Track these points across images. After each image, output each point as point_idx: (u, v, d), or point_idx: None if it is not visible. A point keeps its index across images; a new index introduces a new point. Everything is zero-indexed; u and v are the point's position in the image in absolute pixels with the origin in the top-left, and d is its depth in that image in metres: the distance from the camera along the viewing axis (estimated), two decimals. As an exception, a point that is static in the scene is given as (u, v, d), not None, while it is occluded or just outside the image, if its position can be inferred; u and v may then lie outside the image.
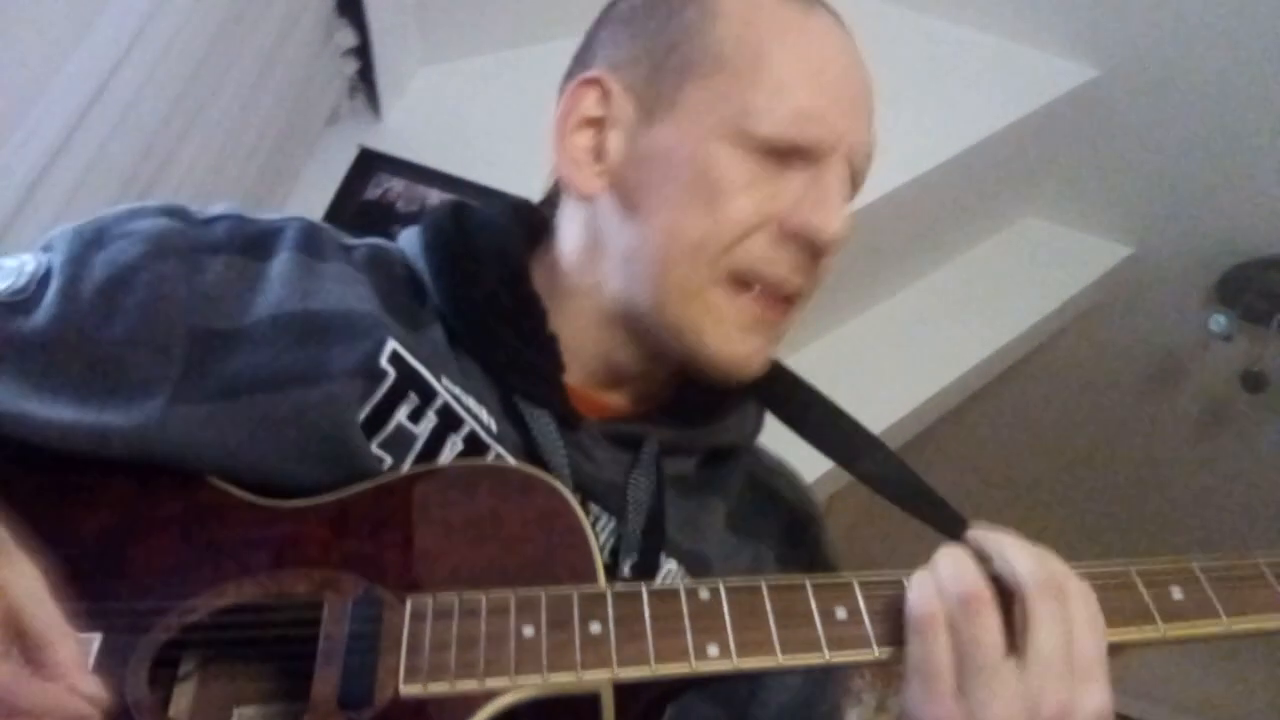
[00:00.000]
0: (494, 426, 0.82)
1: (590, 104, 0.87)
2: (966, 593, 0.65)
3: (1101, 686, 0.65)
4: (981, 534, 0.70)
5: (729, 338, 0.83)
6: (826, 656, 0.67)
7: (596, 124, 0.87)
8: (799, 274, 0.83)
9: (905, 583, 0.68)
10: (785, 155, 0.82)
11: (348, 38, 2.02)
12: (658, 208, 0.83)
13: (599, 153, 0.86)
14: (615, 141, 0.86)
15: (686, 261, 0.82)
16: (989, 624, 0.65)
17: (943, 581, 0.66)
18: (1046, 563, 0.68)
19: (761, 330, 0.84)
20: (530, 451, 0.81)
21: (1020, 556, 0.67)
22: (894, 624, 0.68)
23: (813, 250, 0.82)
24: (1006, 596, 0.66)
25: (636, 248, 0.84)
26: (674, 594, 0.69)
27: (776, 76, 0.82)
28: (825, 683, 0.94)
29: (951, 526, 0.89)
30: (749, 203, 0.81)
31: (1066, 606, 0.66)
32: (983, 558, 0.68)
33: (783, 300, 0.84)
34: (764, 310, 0.83)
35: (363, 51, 2.07)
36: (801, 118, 0.81)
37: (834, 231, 0.81)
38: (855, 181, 0.87)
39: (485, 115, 2.14)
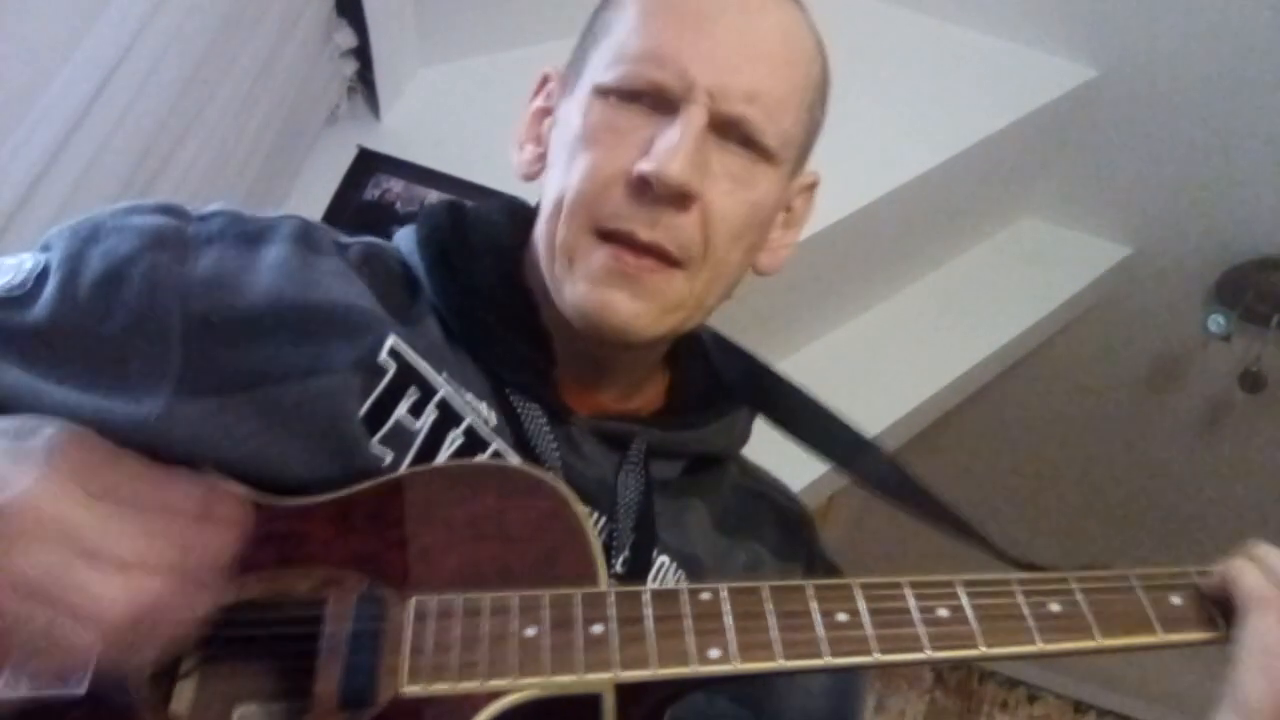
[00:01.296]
0: (492, 420, 0.82)
1: (541, 96, 0.92)
2: None
3: None
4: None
5: (580, 288, 0.81)
6: (827, 660, 0.67)
7: (546, 113, 0.91)
8: (651, 225, 0.80)
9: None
10: (646, 103, 0.81)
11: (347, 38, 2.02)
12: (548, 173, 0.86)
13: (541, 138, 0.90)
14: (548, 124, 0.90)
15: (554, 220, 0.83)
16: None
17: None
18: None
19: (619, 283, 0.81)
20: (522, 445, 0.82)
21: None
22: (895, 628, 0.69)
23: (658, 197, 0.79)
24: None
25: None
26: (676, 596, 0.69)
27: (633, 23, 0.83)
28: (848, 698, 0.94)
29: (945, 521, 0.90)
30: (600, 153, 0.81)
31: None
32: None
33: (642, 252, 0.81)
34: (614, 259, 0.80)
35: (362, 52, 2.06)
36: (646, 60, 0.81)
37: (668, 171, 0.78)
38: (744, 129, 0.82)
39: (484, 116, 2.13)
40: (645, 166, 0.78)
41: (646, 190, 0.79)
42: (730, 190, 0.82)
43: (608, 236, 0.81)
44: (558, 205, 0.82)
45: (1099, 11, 2.20)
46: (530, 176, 0.90)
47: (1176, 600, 0.72)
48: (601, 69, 0.83)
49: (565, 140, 0.84)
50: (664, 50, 0.81)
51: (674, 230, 0.80)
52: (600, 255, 0.81)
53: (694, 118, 0.79)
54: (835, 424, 0.95)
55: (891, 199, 2.17)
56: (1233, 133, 2.34)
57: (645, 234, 0.80)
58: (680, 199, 0.79)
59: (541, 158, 0.89)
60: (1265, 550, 0.73)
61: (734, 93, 0.81)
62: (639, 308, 0.81)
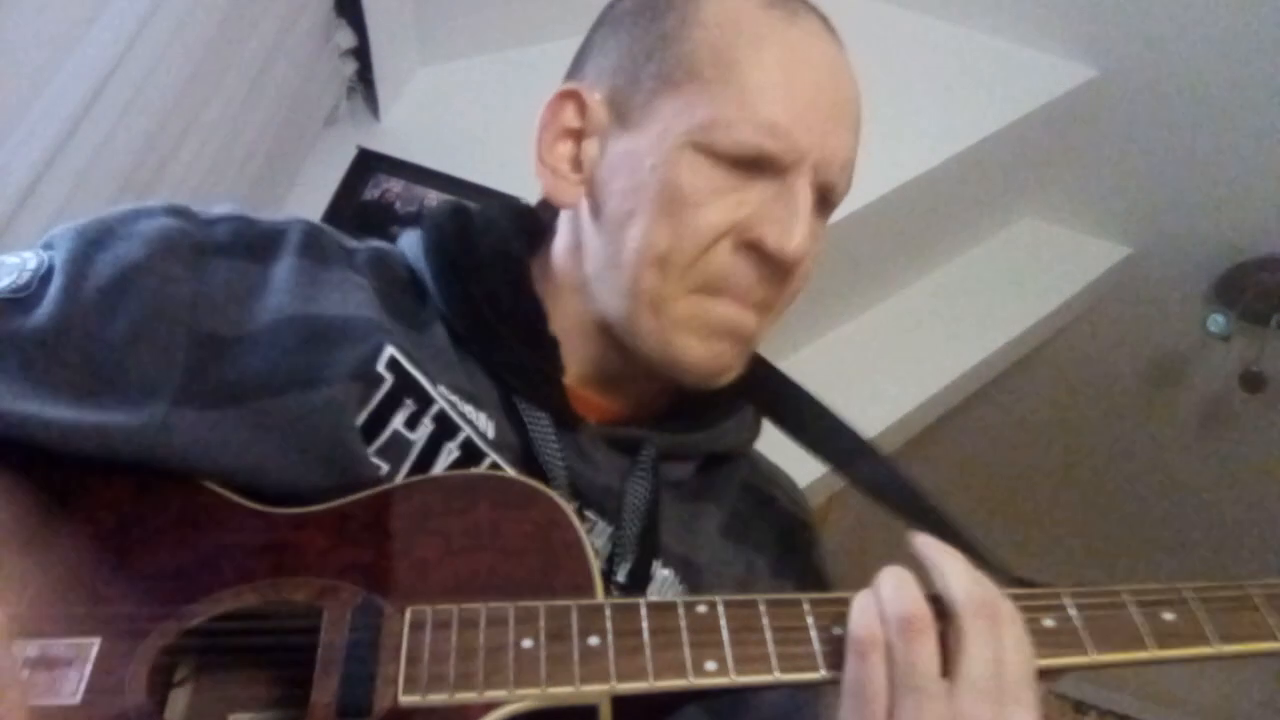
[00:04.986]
0: (491, 433, 0.82)
1: (569, 115, 0.88)
2: (906, 615, 0.65)
3: (1028, 709, 0.65)
4: (925, 546, 0.71)
5: (694, 344, 0.83)
6: (823, 673, 0.67)
7: (575, 135, 0.88)
8: (763, 285, 0.83)
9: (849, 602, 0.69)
10: (750, 166, 0.81)
11: (346, 38, 2.02)
12: (625, 216, 0.83)
13: (577, 163, 0.87)
14: (591, 151, 0.87)
15: (653, 272, 0.82)
16: (926, 647, 0.65)
17: (883, 603, 0.66)
18: (981, 583, 0.68)
19: (731, 336, 0.84)
20: (527, 454, 0.82)
21: (958, 576, 0.68)
22: None
23: (773, 264, 0.82)
24: (942, 615, 0.66)
25: (607, 255, 0.85)
26: (672, 608, 0.69)
27: (746, 87, 0.81)
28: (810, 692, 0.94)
29: (943, 532, 0.89)
30: (712, 214, 0.81)
31: (998, 628, 0.66)
32: (925, 572, 0.69)
33: (752, 306, 0.84)
34: (737, 312, 0.83)
35: (361, 52, 2.06)
36: (767, 130, 0.80)
37: (792, 248, 0.81)
38: (830, 195, 0.86)
39: (484, 116, 2.14)
40: (769, 239, 0.81)
41: (758, 256, 0.82)
42: (811, 251, 0.85)
43: (716, 290, 0.83)
44: (648, 256, 0.82)
45: (1099, 11, 2.19)
46: (566, 204, 0.88)
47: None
48: (703, 127, 0.81)
49: (651, 189, 0.82)
50: (779, 123, 0.81)
51: (772, 290, 0.84)
52: (719, 310, 0.83)
53: (806, 191, 0.82)
54: (835, 424, 0.95)
55: (891, 199, 2.17)
56: (1232, 133, 2.34)
57: (753, 296, 0.83)
58: (790, 267, 0.83)
59: (581, 185, 0.87)
60: (885, 577, 0.68)
61: (834, 163, 0.84)
62: (735, 358, 0.86)
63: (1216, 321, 2.76)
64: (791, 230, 0.81)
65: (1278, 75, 2.18)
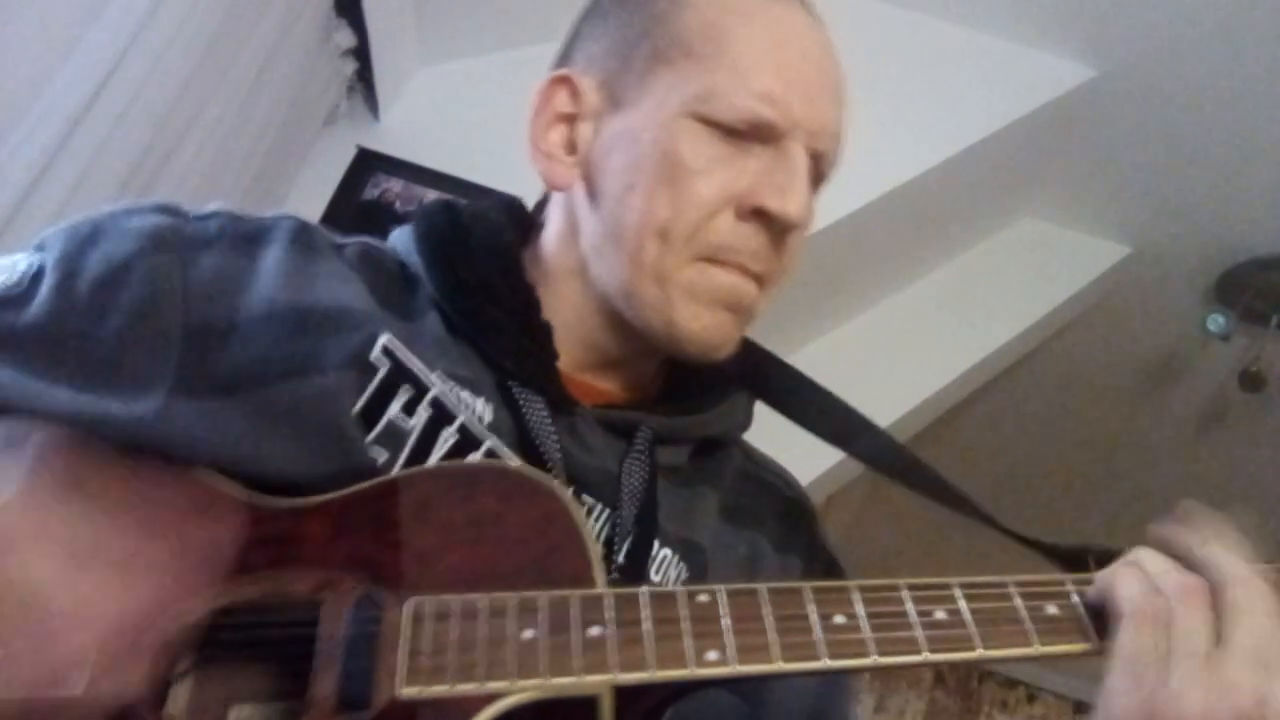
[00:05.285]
0: (488, 417, 0.82)
1: (561, 100, 0.90)
2: (1186, 585, 0.67)
3: None
4: (1170, 531, 0.72)
5: (699, 313, 0.84)
6: (825, 662, 0.67)
7: (568, 119, 0.89)
8: (763, 255, 0.84)
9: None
10: (746, 136, 0.83)
11: (346, 38, 2.02)
12: (624, 191, 0.85)
13: (571, 146, 0.89)
14: (585, 133, 0.88)
15: (654, 244, 0.83)
16: (1203, 616, 0.66)
17: (1157, 577, 0.68)
18: (1239, 559, 0.70)
19: (733, 306, 0.85)
20: (523, 438, 0.82)
21: (1219, 551, 0.69)
22: (893, 630, 0.68)
23: (773, 231, 0.84)
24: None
25: (606, 231, 0.86)
26: (673, 597, 0.68)
27: (738, 60, 0.83)
28: (838, 689, 0.94)
29: (949, 499, 0.90)
30: (711, 183, 0.82)
31: (1264, 601, 0.67)
32: (1173, 554, 0.70)
33: (751, 278, 0.85)
34: (739, 281, 0.84)
35: (361, 52, 2.07)
36: (761, 99, 0.82)
37: (794, 210, 0.82)
38: (821, 165, 0.88)
39: (483, 116, 2.14)
40: (771, 204, 0.82)
41: (760, 223, 0.83)
42: (807, 219, 0.86)
43: (714, 261, 0.84)
44: (650, 227, 0.83)
45: (1099, 11, 2.20)
46: (562, 186, 0.90)
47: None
48: (699, 98, 0.83)
49: (650, 162, 0.83)
50: (773, 91, 0.83)
51: (772, 259, 0.85)
52: (720, 278, 0.84)
53: (802, 156, 0.84)
54: (831, 403, 0.96)
55: (892, 198, 2.17)
56: (1232, 133, 2.34)
57: (755, 265, 0.84)
58: (788, 233, 0.84)
59: (576, 168, 0.88)
60: (1144, 555, 0.70)
61: (826, 132, 0.86)
62: (735, 329, 0.87)
63: (1216, 321, 2.76)
64: (791, 193, 0.83)
65: (1277, 76, 2.18)
